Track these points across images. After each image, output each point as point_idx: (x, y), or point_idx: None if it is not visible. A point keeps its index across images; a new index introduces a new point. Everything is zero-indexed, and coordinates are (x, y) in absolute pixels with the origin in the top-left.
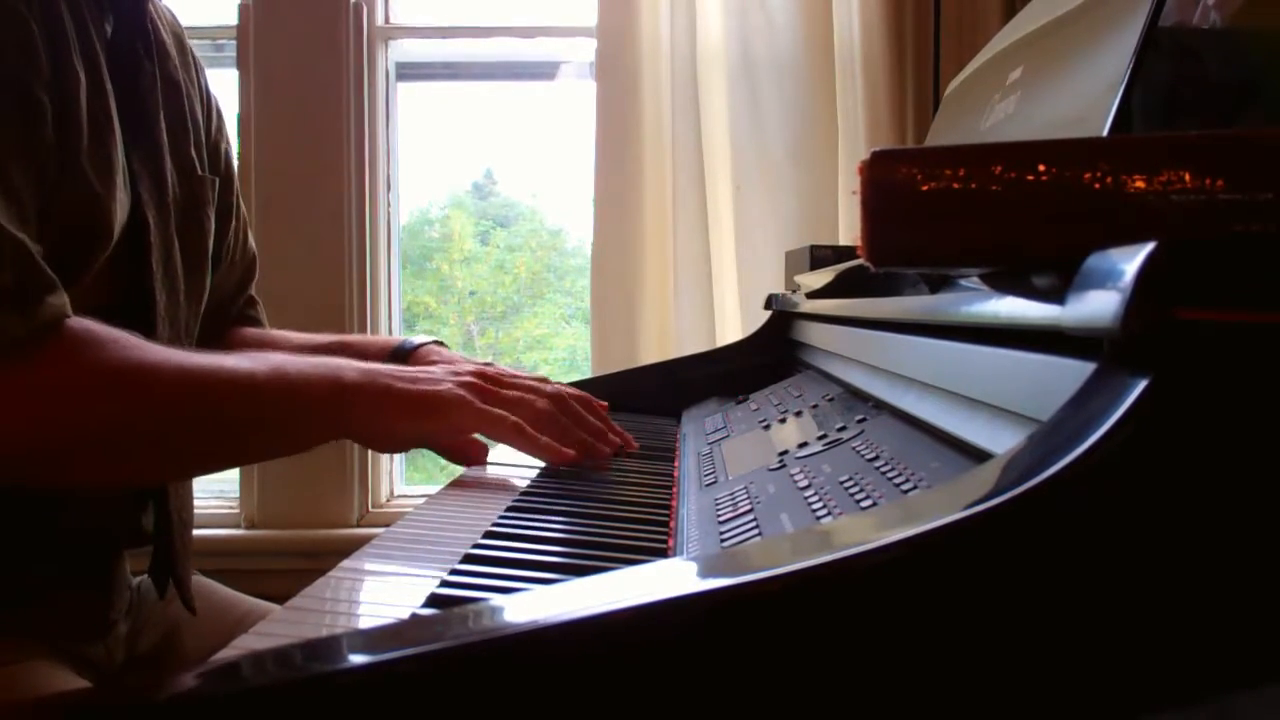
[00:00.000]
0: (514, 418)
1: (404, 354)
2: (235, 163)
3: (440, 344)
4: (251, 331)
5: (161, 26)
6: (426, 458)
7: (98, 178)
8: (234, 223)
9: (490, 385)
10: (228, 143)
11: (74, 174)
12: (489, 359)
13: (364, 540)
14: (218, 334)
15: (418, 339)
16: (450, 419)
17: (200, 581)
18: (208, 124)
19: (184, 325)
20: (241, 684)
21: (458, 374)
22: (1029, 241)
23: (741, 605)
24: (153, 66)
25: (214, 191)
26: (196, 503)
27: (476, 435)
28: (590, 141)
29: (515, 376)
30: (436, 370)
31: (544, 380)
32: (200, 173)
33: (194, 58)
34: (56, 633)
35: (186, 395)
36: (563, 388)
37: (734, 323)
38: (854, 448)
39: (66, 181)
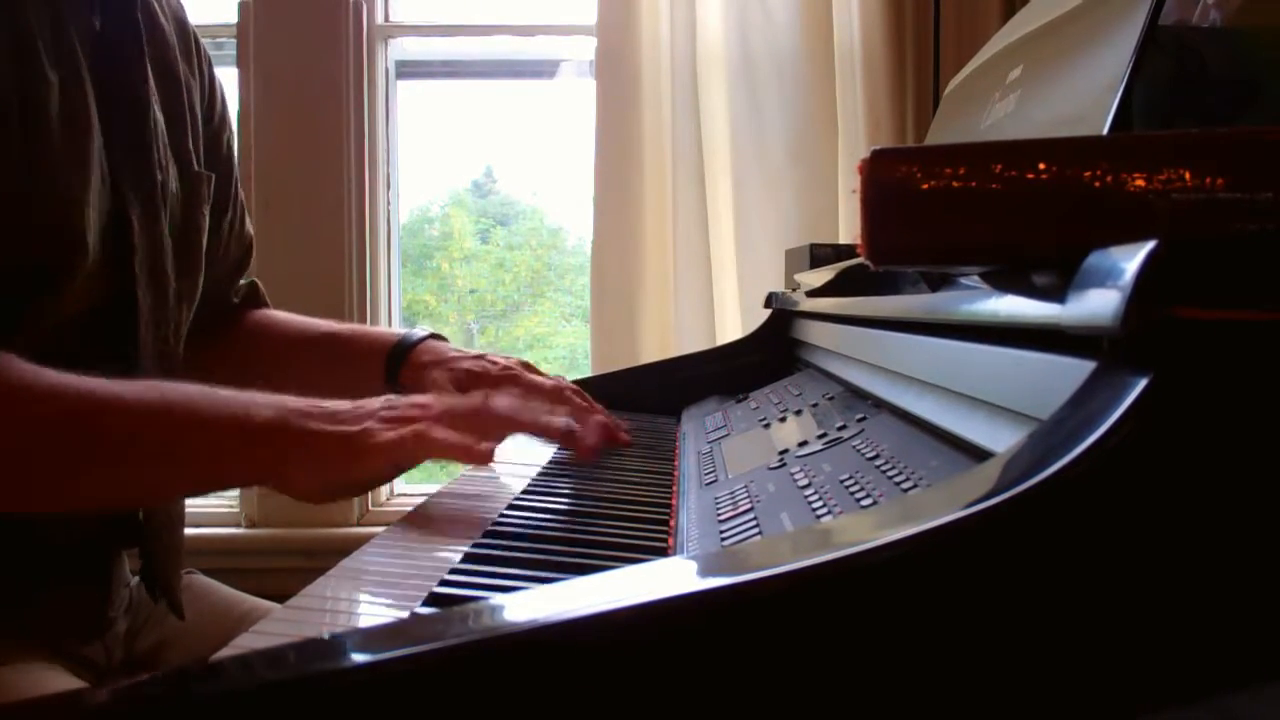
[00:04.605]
0: (410, 430)
1: (404, 350)
2: (235, 151)
3: (440, 338)
4: (258, 315)
5: (162, 15)
6: None
7: (73, 182)
8: (230, 212)
9: (417, 412)
10: (230, 131)
11: (42, 179)
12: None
13: (364, 539)
14: (217, 322)
15: (417, 333)
16: (360, 459)
17: (200, 581)
18: (208, 114)
19: (173, 326)
20: (237, 684)
21: (394, 406)
22: (1029, 240)
23: (742, 604)
24: (145, 62)
25: (210, 188)
26: (198, 502)
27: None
28: (590, 140)
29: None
30: (374, 403)
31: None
32: (197, 168)
33: (198, 45)
34: (53, 632)
35: (65, 422)
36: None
37: (734, 321)
38: (854, 446)
39: (36, 187)
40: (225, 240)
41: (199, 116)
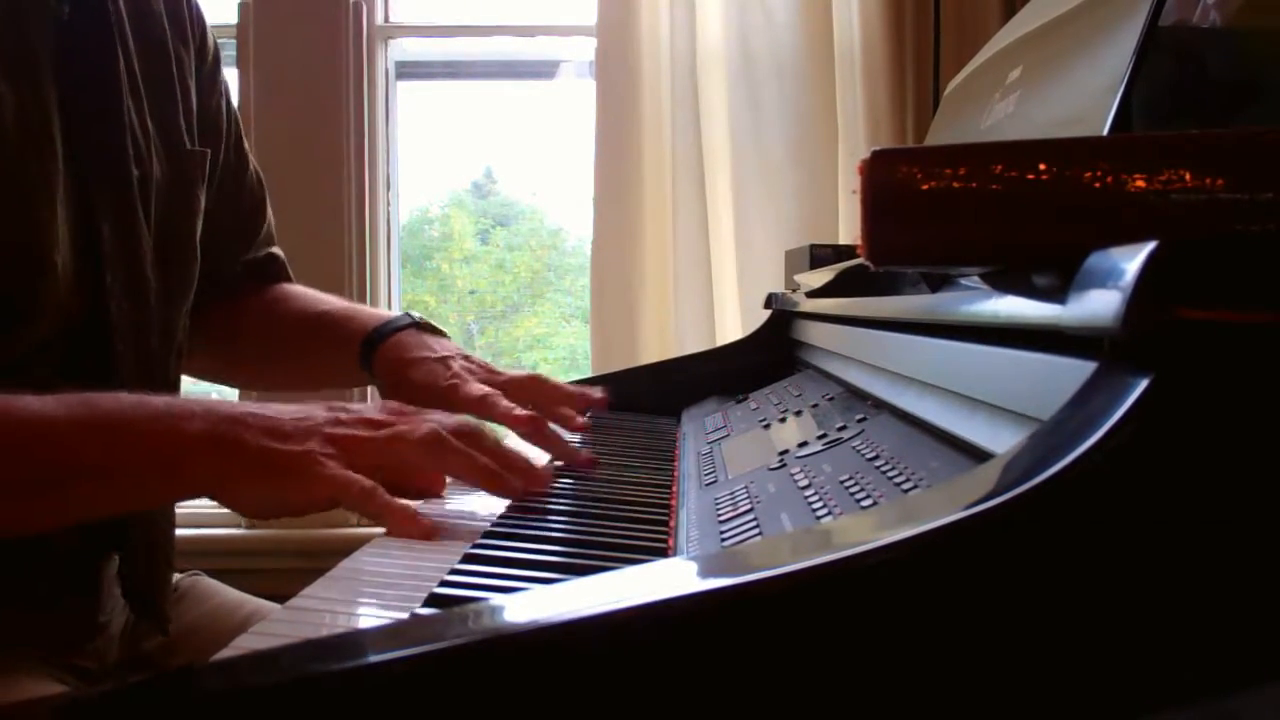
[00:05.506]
0: (367, 482)
1: (382, 337)
2: (230, 114)
3: (421, 326)
4: (276, 290)
5: None
6: None
7: (34, 203)
8: (224, 180)
9: (368, 434)
10: (221, 94)
11: (2, 201)
12: (488, 359)
13: (364, 540)
14: (223, 296)
15: (397, 321)
16: (307, 489)
17: (204, 582)
18: (199, 79)
19: (158, 328)
20: (234, 685)
21: (341, 421)
22: (1029, 240)
23: (742, 605)
24: (118, 49)
25: (206, 165)
26: (198, 502)
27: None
28: (590, 140)
29: (426, 414)
30: (319, 414)
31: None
32: (190, 147)
33: (191, 9)
34: (40, 639)
35: None
36: (466, 421)
37: (734, 322)
38: (854, 447)
39: None
40: (215, 211)
41: (191, 89)
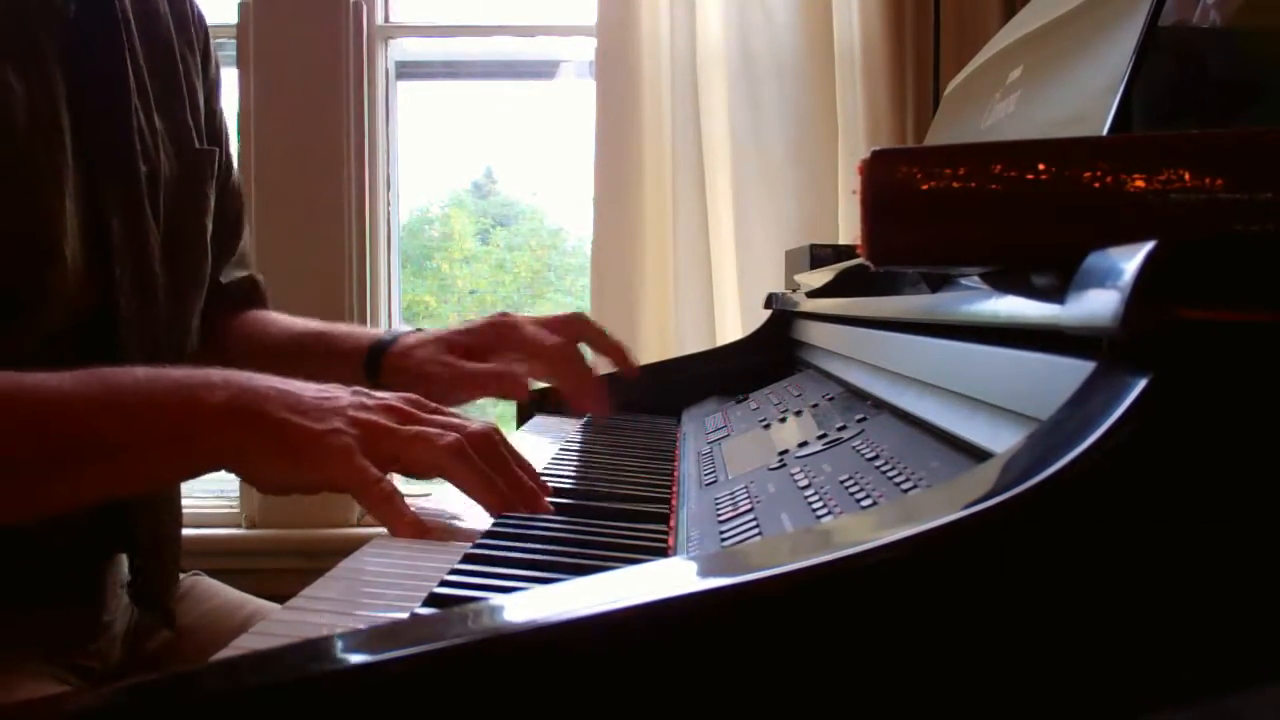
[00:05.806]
0: (388, 484)
1: (381, 349)
2: (223, 116)
3: (422, 332)
4: (253, 316)
5: None
6: None
7: (43, 194)
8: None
9: (391, 424)
10: (221, 99)
11: (11, 192)
12: None
13: (364, 540)
14: (207, 320)
15: (396, 332)
16: (325, 470)
17: (206, 583)
18: (204, 80)
19: (165, 325)
20: (232, 686)
21: (365, 405)
22: (1029, 240)
23: (742, 604)
24: (124, 48)
25: (214, 164)
26: (198, 502)
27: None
28: (590, 140)
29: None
30: (343, 395)
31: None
32: (199, 145)
33: (193, 10)
34: (42, 640)
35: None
36: (490, 430)
37: (734, 322)
38: (854, 447)
39: (5, 202)
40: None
41: (198, 89)
